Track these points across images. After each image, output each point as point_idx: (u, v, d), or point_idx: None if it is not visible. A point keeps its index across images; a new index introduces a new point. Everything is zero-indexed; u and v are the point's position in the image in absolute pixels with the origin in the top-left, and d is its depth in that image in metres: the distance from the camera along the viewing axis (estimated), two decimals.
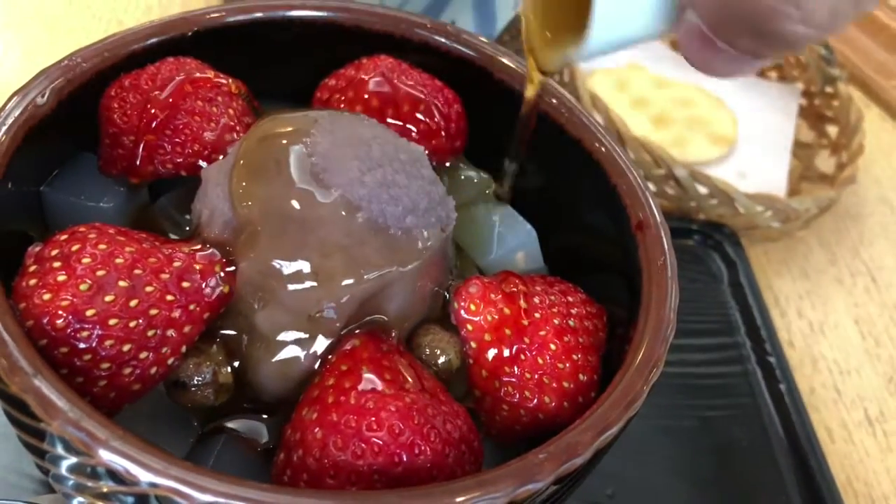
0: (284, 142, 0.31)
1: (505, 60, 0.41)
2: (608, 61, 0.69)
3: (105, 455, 0.24)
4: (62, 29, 0.64)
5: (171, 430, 0.30)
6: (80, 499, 0.27)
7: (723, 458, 0.47)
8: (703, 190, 0.56)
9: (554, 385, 0.32)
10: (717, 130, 0.65)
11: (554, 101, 0.39)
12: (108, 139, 0.35)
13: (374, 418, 0.27)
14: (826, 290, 0.59)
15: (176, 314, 0.29)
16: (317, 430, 0.27)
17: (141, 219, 0.36)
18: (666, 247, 0.34)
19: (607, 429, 0.28)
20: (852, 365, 0.55)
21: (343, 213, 0.30)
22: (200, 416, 0.31)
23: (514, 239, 0.38)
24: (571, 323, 0.33)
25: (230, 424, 0.31)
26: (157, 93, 0.35)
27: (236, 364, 0.31)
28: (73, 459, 0.26)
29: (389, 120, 0.38)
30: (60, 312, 0.27)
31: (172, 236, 0.35)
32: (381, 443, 0.27)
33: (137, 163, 0.35)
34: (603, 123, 0.56)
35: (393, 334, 0.31)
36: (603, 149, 0.38)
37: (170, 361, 0.29)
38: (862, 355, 0.55)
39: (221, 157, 0.34)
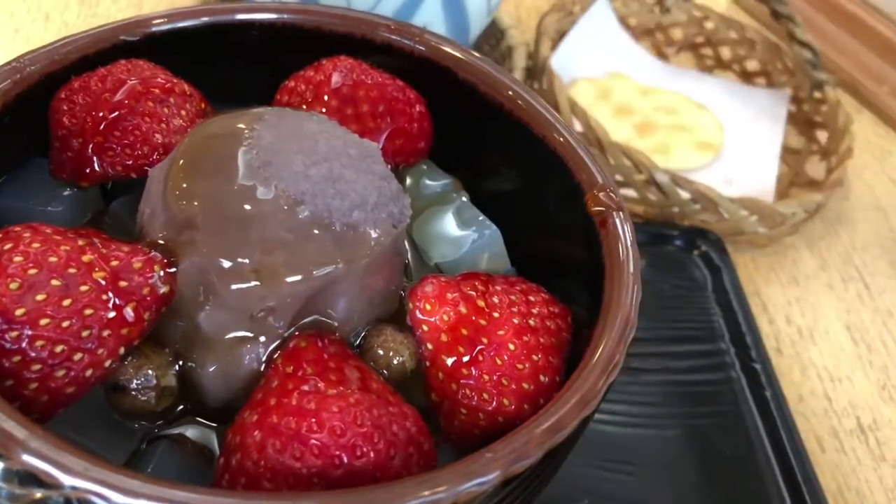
0: (226, 137, 0.30)
1: (469, 60, 0.40)
2: (590, 70, 0.68)
3: (25, 457, 0.23)
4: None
5: (113, 437, 0.29)
6: None
7: (707, 467, 0.45)
8: (685, 195, 0.55)
9: (513, 387, 0.30)
10: (703, 137, 0.64)
11: (519, 98, 0.38)
12: (57, 142, 0.35)
13: (314, 419, 0.26)
14: (816, 296, 0.58)
15: (112, 314, 0.28)
16: (256, 432, 0.26)
17: (94, 225, 0.35)
18: (628, 243, 0.33)
19: (560, 428, 0.27)
20: (844, 372, 0.53)
21: (285, 207, 0.29)
22: (145, 423, 0.30)
23: (478, 240, 0.37)
24: (532, 322, 0.32)
25: (176, 431, 0.30)
26: (106, 94, 0.34)
27: (179, 368, 0.30)
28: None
29: (349, 121, 0.37)
30: None
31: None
32: (320, 444, 0.26)
33: (86, 165, 0.34)
34: (582, 131, 0.55)
35: (340, 335, 0.30)
36: (565, 142, 0.37)
37: (107, 364, 0.28)
38: (854, 362, 0.54)
39: None
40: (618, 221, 0.34)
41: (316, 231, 0.29)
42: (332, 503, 0.23)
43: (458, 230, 0.37)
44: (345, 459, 0.26)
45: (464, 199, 0.39)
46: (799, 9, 0.71)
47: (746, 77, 0.73)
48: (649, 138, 0.63)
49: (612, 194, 0.35)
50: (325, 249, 0.29)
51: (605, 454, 0.45)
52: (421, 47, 0.40)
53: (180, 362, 0.30)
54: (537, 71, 0.62)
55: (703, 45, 0.75)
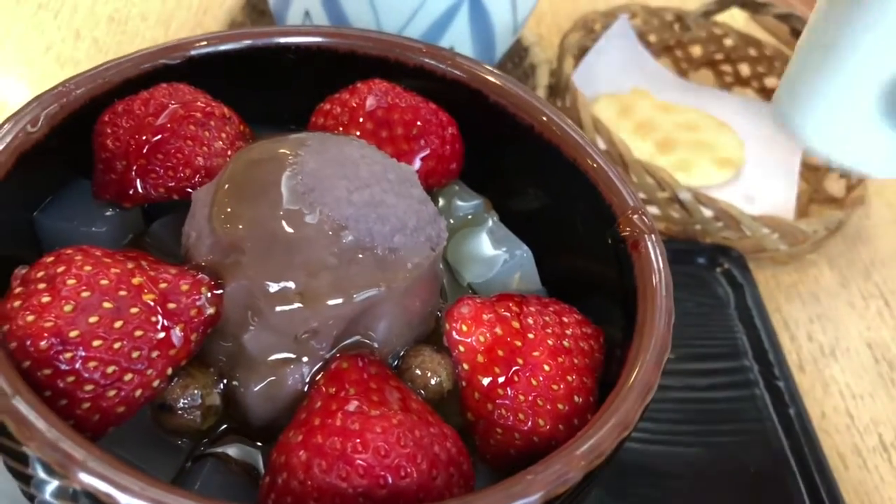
0: (271, 162, 0.31)
1: (500, 83, 0.41)
2: (612, 87, 0.68)
3: (83, 477, 0.24)
4: (70, 62, 0.65)
5: (160, 455, 0.30)
6: None
7: (731, 484, 0.46)
8: (707, 213, 0.55)
9: (548, 407, 0.31)
10: (724, 154, 0.64)
11: (549, 121, 0.39)
12: (100, 164, 0.36)
13: (359, 440, 0.27)
14: (837, 313, 0.58)
15: (161, 336, 0.28)
16: (301, 452, 0.27)
17: (135, 245, 0.36)
18: (660, 265, 0.34)
19: (600, 451, 0.28)
20: (865, 389, 0.54)
21: (329, 232, 0.30)
22: (190, 441, 0.31)
23: (510, 261, 0.38)
24: (566, 343, 0.33)
25: (221, 450, 0.31)
26: (149, 118, 0.35)
27: (224, 387, 0.31)
28: (54, 483, 0.25)
29: (384, 143, 0.38)
30: (44, 334, 0.27)
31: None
32: (365, 465, 0.26)
33: (129, 187, 0.35)
34: (605, 147, 0.56)
35: (379, 356, 0.31)
36: (596, 167, 0.37)
37: (155, 384, 0.29)
38: (876, 379, 0.54)
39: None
40: (649, 244, 0.35)
41: (359, 255, 0.30)
42: None
43: (491, 250, 0.38)
44: (389, 480, 0.26)
45: (495, 219, 0.39)
46: None
47: (766, 94, 0.74)
48: (670, 155, 0.63)
49: (643, 217, 0.36)
50: (368, 273, 0.30)
51: (629, 472, 0.45)
52: (453, 70, 0.41)
53: (225, 381, 0.31)
54: (560, 88, 0.62)
55: (722, 61, 0.75)
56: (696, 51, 0.75)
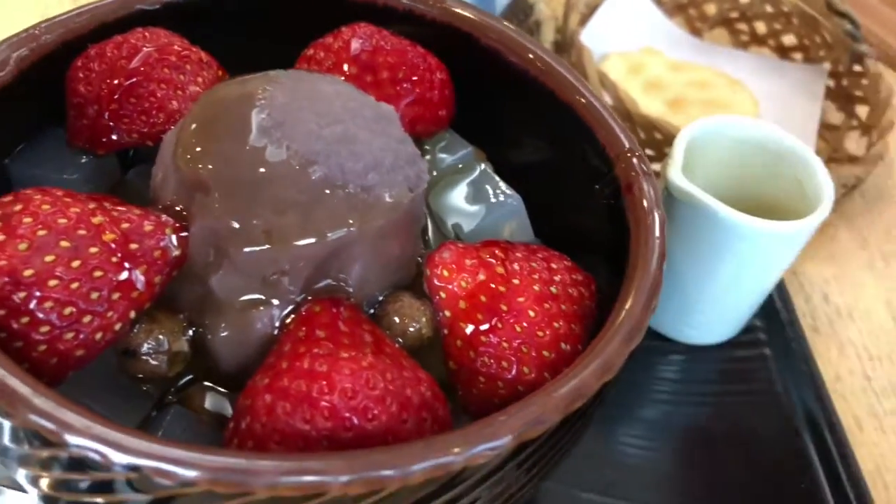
0: (238, 99, 0.30)
1: (492, 26, 0.39)
2: (621, 46, 0.66)
3: (30, 416, 0.23)
4: None
5: (125, 402, 0.29)
6: (25, 471, 0.26)
7: (740, 445, 0.44)
8: None
9: (533, 354, 0.30)
10: (737, 114, 0.62)
11: (543, 65, 0.37)
12: (72, 110, 0.35)
13: (325, 381, 0.25)
14: (855, 274, 0.56)
15: (122, 277, 0.27)
16: (266, 395, 0.26)
17: (111, 193, 0.35)
18: (654, 205, 0.32)
19: (579, 393, 0.26)
20: (884, 351, 0.51)
21: (297, 168, 0.28)
22: (158, 389, 0.30)
23: (499, 209, 0.36)
24: (553, 290, 0.31)
25: (188, 398, 0.30)
26: (121, 61, 0.34)
27: (192, 333, 0.30)
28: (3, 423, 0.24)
29: (369, 88, 0.36)
30: None
31: None
32: (330, 406, 0.25)
33: (101, 133, 0.34)
34: (611, 103, 0.54)
35: (354, 301, 0.29)
36: (591, 109, 0.36)
37: (116, 327, 0.27)
38: (895, 341, 0.52)
39: None
40: (644, 185, 0.33)
41: (329, 192, 0.28)
42: (337, 464, 0.22)
43: (479, 200, 0.37)
44: (355, 422, 0.25)
45: (485, 168, 0.38)
46: None
47: (783, 52, 0.71)
48: (681, 114, 0.61)
49: (639, 159, 0.34)
50: (339, 212, 0.28)
51: (633, 430, 0.43)
52: (442, 13, 0.40)
53: (193, 328, 0.30)
54: (566, 45, 0.60)
55: (737, 20, 0.72)
56: (711, 9, 0.72)
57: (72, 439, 0.22)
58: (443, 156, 0.38)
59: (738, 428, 0.44)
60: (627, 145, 0.34)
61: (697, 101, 0.62)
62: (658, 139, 0.54)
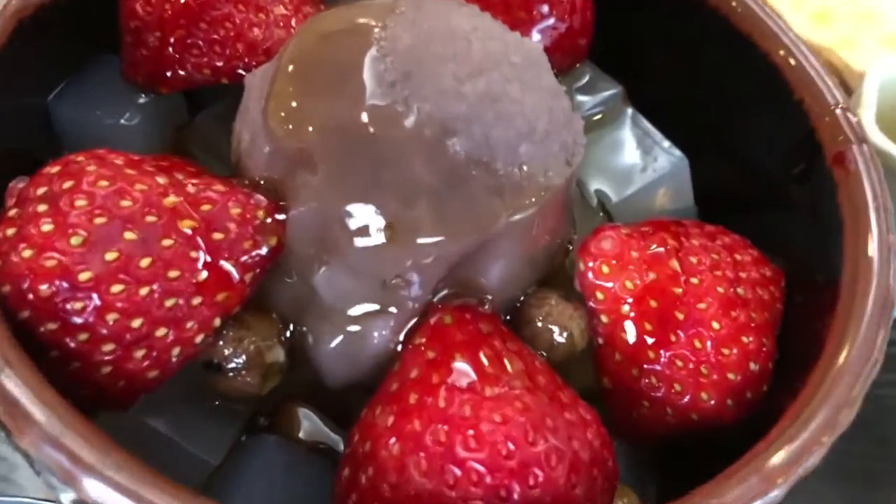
0: (349, 37, 0.23)
1: None
2: None
3: (92, 488, 0.17)
4: None
5: (210, 424, 0.24)
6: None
7: None
8: None
9: (715, 377, 0.24)
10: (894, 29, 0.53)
11: None
12: (129, 36, 0.28)
13: (472, 431, 0.20)
14: None
15: (203, 276, 0.22)
16: (392, 441, 0.20)
17: (176, 144, 0.29)
18: (877, 189, 0.25)
19: (809, 452, 0.20)
20: None
21: (431, 140, 0.22)
22: (248, 407, 0.24)
23: (655, 170, 0.30)
24: (741, 291, 0.25)
25: (285, 420, 0.24)
26: None
27: (288, 337, 0.24)
28: (64, 489, 0.19)
29: (495, 9, 0.29)
30: (46, 275, 0.20)
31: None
32: (482, 469, 0.20)
33: (165, 66, 0.28)
34: None
35: (491, 308, 0.24)
36: (782, 51, 0.28)
37: (198, 339, 0.22)
38: None
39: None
40: (859, 158, 0.26)
41: (472, 172, 0.22)
42: None
43: (631, 157, 0.30)
44: (515, 490, 0.20)
45: (635, 114, 0.31)
46: None
47: None
48: (827, 30, 0.52)
49: (850, 120, 0.26)
50: (482, 199, 0.22)
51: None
52: None
53: (289, 330, 0.24)
54: None
55: None
56: None
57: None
58: (583, 98, 0.31)
59: None
60: (833, 100, 0.27)
61: (847, 15, 0.53)
62: None
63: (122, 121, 0.28)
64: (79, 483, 0.17)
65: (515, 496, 0.20)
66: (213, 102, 0.30)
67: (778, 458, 0.20)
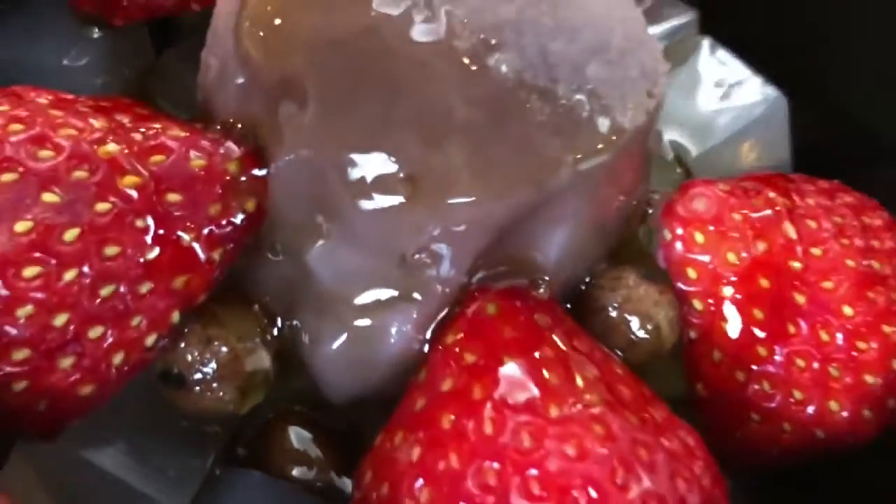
0: None
1: None
2: None
3: None
4: None
5: (177, 450, 0.19)
6: None
7: None
8: None
9: (848, 380, 0.20)
10: None
11: None
12: None
13: (534, 471, 0.15)
14: None
15: (154, 254, 0.17)
16: (420, 485, 0.16)
17: (141, 91, 0.25)
18: None
19: None
20: None
21: (466, 56, 0.17)
22: (223, 428, 0.19)
23: (746, 113, 0.25)
24: (876, 265, 0.20)
25: (271, 447, 0.19)
26: None
27: (277, 336, 0.19)
28: None
29: None
30: None
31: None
32: None
33: None
34: None
35: (549, 291, 0.19)
36: None
37: (149, 341, 0.17)
38: None
39: None
40: None
41: (525, 102, 0.17)
42: None
43: (711, 101, 0.25)
44: None
45: (714, 45, 0.26)
46: None
47: None
48: None
49: None
50: (541, 138, 0.17)
51: None
52: None
53: (277, 327, 0.19)
54: None
55: None
56: None
57: None
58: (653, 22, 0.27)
59: None
60: None
61: None
62: None
63: (66, 61, 0.24)
64: None
65: None
66: (184, 39, 0.25)
67: None
